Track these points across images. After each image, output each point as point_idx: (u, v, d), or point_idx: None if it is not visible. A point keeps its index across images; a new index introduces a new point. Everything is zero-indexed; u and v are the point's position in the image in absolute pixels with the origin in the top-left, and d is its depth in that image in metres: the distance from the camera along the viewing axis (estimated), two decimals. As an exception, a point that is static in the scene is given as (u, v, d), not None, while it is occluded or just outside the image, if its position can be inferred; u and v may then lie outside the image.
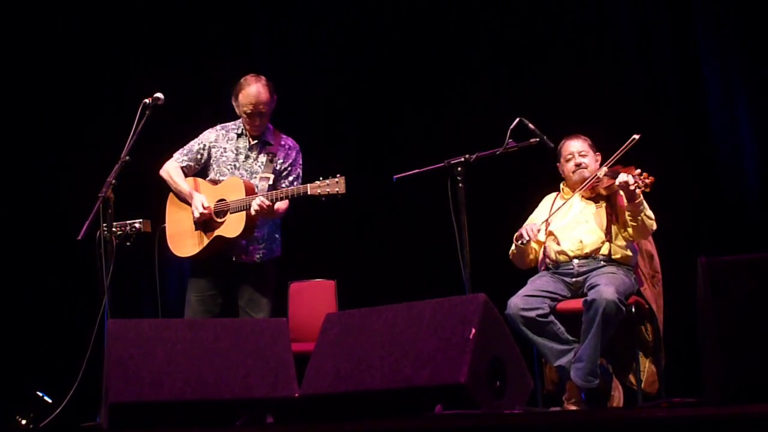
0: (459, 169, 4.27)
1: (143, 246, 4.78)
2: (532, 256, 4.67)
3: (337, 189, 4.29)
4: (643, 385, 4.35)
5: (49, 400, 5.21)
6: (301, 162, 4.69)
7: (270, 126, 4.70)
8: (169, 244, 4.63)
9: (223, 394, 3.55)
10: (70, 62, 6.26)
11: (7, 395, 5.51)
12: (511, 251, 4.66)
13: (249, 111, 4.57)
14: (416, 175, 4.48)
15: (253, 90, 4.56)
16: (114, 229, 4.22)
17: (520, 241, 4.53)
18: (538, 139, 4.37)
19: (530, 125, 4.36)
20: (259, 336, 3.71)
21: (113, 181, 4.17)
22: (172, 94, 4.49)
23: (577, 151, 4.63)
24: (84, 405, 4.41)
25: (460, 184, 4.24)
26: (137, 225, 4.67)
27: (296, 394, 3.63)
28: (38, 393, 5.31)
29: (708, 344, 3.38)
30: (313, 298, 5.58)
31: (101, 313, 4.09)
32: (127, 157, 4.24)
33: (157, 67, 6.19)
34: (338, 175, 4.31)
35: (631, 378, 4.40)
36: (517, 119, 4.34)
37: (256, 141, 4.65)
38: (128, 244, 4.63)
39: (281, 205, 4.53)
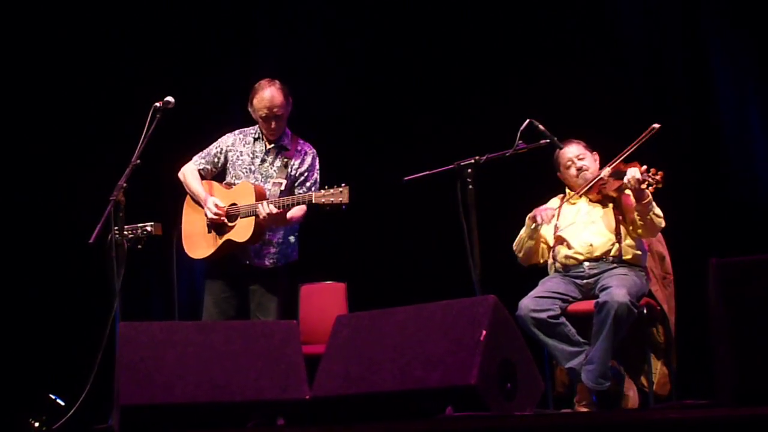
0: (469, 170, 4.26)
1: (154, 249, 4.80)
2: (537, 246, 4.60)
3: (341, 198, 4.26)
4: (654, 387, 4.34)
5: (62, 403, 5.22)
6: (318, 167, 4.69)
7: (288, 131, 4.72)
8: (184, 245, 4.68)
9: (234, 396, 3.56)
10: (81, 65, 6.29)
11: (20, 398, 5.53)
12: (519, 237, 4.61)
13: (264, 115, 4.58)
14: (426, 177, 4.47)
15: (267, 94, 4.57)
16: (125, 233, 4.24)
17: (533, 223, 4.49)
18: (548, 141, 4.36)
19: (540, 126, 4.35)
20: (270, 338, 3.71)
21: (124, 185, 4.19)
22: (183, 97, 4.52)
23: (575, 156, 4.62)
24: (96, 407, 4.42)
25: (470, 186, 4.23)
26: (149, 228, 4.70)
27: (307, 397, 3.63)
28: (51, 396, 5.33)
29: (720, 346, 3.37)
30: (324, 301, 5.59)
31: (113, 316, 4.10)
32: (138, 161, 4.26)
33: (168, 70, 6.22)
34: (343, 185, 4.29)
35: (643, 380, 4.38)
36: (527, 120, 4.33)
37: (272, 145, 4.67)
38: (139, 247, 4.66)
39: (296, 212, 4.53)
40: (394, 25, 6.27)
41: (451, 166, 4.34)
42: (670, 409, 4.05)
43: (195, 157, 4.77)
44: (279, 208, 4.39)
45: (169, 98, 4.40)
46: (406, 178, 4.52)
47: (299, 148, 4.69)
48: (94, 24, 6.33)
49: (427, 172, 4.47)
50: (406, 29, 6.24)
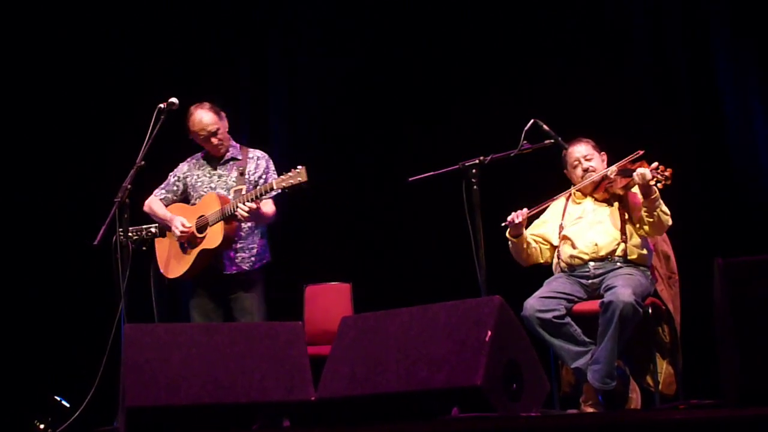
0: (473, 171, 4.26)
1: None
2: (530, 251, 4.58)
3: (299, 179, 4.37)
4: (660, 387, 4.33)
5: (67, 405, 5.24)
6: (273, 169, 4.80)
7: (236, 144, 4.84)
8: (162, 271, 4.76)
9: (240, 397, 3.56)
10: (86, 67, 6.30)
11: (25, 400, 5.54)
12: (509, 245, 4.62)
13: (202, 136, 4.73)
14: (431, 178, 4.48)
15: (196, 117, 4.72)
16: (130, 234, 4.25)
17: (510, 230, 4.48)
18: (552, 141, 4.36)
19: (545, 126, 4.35)
20: (275, 339, 3.72)
21: (129, 186, 4.20)
22: (186, 98, 4.53)
23: (582, 156, 4.60)
24: (101, 409, 4.43)
25: (475, 186, 4.23)
26: (153, 229, 4.72)
27: (312, 398, 3.63)
28: (56, 397, 5.34)
29: (725, 345, 3.37)
30: (329, 302, 5.59)
31: (118, 318, 4.11)
32: (143, 162, 4.28)
33: (172, 71, 6.22)
34: (299, 166, 4.39)
35: (649, 380, 4.38)
36: (532, 121, 4.34)
37: (224, 160, 4.77)
38: (144, 248, 4.67)
39: (267, 209, 4.63)
40: (398, 25, 6.27)
41: (456, 166, 4.35)
42: (675, 409, 4.04)
43: (155, 190, 4.86)
44: (250, 200, 4.45)
45: (173, 99, 4.42)
46: (411, 179, 4.52)
47: (251, 155, 4.81)
48: (95, 24, 6.34)
49: (432, 173, 4.48)
50: (410, 29, 6.24)
